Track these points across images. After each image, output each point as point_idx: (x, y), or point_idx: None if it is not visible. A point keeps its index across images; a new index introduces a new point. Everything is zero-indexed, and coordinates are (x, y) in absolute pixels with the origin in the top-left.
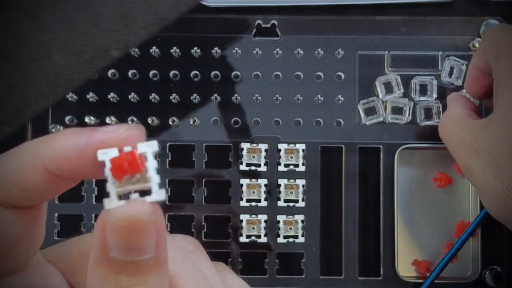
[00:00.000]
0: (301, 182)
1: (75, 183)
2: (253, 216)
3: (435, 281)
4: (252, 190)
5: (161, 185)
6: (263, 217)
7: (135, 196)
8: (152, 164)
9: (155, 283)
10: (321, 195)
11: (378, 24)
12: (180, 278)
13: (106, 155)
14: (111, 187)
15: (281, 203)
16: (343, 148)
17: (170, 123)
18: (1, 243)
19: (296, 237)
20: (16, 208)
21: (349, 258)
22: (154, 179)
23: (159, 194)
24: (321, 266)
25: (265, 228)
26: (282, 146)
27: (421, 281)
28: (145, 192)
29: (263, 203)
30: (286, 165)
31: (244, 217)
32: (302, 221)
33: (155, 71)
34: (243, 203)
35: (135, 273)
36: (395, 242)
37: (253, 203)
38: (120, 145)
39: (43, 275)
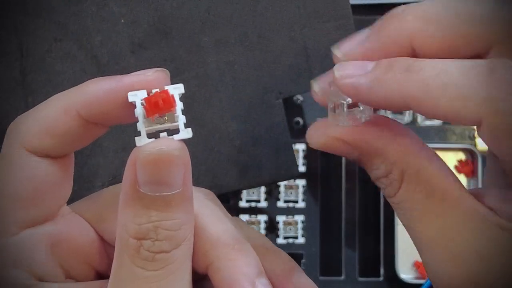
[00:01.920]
0: (301, 182)
1: (105, 129)
2: (253, 216)
3: None
4: (251, 190)
5: (187, 125)
6: (262, 218)
7: (163, 135)
8: (179, 105)
9: (182, 218)
10: (321, 195)
11: None
12: (203, 215)
13: (136, 96)
14: (142, 126)
15: (280, 203)
16: None
17: None
18: (35, 190)
19: (296, 237)
20: (49, 158)
21: (349, 258)
22: (181, 118)
23: (187, 133)
24: (321, 266)
25: (265, 229)
26: None
27: (422, 282)
28: (172, 134)
29: (263, 203)
30: None
31: (243, 217)
32: (302, 222)
33: None
34: (242, 203)
35: (164, 208)
36: (395, 243)
37: (253, 203)
38: (148, 87)
39: (72, 223)
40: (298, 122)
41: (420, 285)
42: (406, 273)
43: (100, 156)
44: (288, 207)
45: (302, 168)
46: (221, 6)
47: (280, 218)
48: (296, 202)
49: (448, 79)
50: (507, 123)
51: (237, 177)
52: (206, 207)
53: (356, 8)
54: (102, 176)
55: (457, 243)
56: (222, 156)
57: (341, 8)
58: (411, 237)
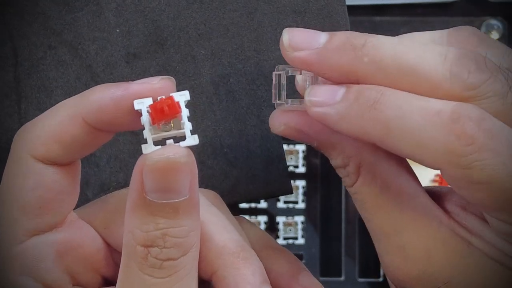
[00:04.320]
0: (301, 183)
1: (111, 136)
2: (253, 217)
3: None
4: None
5: (193, 132)
6: (263, 218)
7: (170, 141)
8: (185, 112)
9: (189, 224)
10: (321, 196)
11: (378, 24)
12: (209, 223)
13: (142, 104)
14: (148, 134)
15: (280, 204)
16: None
17: None
18: (42, 198)
19: (296, 238)
20: (56, 165)
21: (349, 259)
22: (187, 125)
23: (193, 139)
24: (321, 267)
25: (265, 230)
26: None
27: None
28: (178, 141)
29: (263, 204)
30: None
31: None
32: (302, 222)
33: None
34: (242, 204)
35: (171, 215)
36: None
37: (253, 204)
38: (154, 95)
39: (78, 230)
40: None
41: None
42: None
43: (92, 165)
44: (288, 208)
45: (302, 169)
46: (217, 18)
47: (280, 219)
48: (296, 203)
49: (409, 125)
50: (467, 176)
51: (230, 191)
52: (211, 214)
53: (352, 9)
54: (93, 185)
55: (407, 239)
56: (215, 170)
57: (339, 24)
58: (366, 226)
